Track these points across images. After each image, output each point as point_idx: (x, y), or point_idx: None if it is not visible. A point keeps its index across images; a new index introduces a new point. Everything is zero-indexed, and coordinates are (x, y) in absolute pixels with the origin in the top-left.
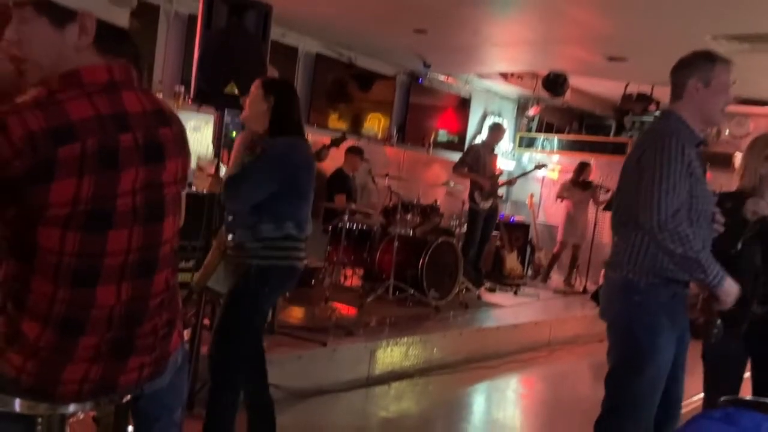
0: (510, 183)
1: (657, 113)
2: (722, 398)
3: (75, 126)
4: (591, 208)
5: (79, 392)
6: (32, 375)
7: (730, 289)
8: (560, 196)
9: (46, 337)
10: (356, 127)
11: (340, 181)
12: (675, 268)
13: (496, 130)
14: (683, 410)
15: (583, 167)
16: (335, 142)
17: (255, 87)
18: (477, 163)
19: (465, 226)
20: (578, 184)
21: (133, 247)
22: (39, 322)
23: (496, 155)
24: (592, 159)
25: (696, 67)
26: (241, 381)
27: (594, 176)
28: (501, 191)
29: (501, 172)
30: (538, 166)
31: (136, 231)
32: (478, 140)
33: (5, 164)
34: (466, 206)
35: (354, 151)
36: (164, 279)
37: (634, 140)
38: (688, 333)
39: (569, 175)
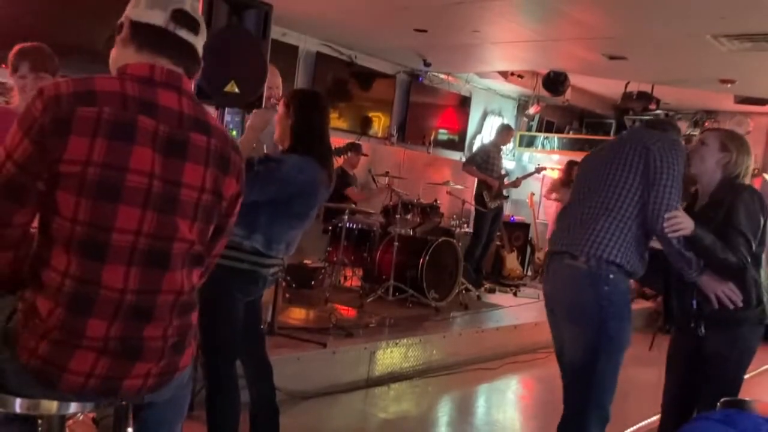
0: (515, 184)
1: (657, 112)
2: (722, 399)
3: (96, 94)
4: None
5: (84, 387)
6: (41, 358)
7: (710, 280)
8: (548, 196)
9: (56, 315)
10: (356, 125)
11: (342, 179)
12: (638, 262)
13: (506, 132)
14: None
15: (571, 166)
16: (338, 152)
17: (281, 103)
18: (486, 162)
19: (465, 225)
20: (567, 184)
21: (144, 230)
22: (51, 298)
23: (502, 156)
24: None
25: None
26: (232, 381)
27: None
28: (506, 192)
29: (506, 174)
30: (538, 169)
31: (149, 215)
32: (478, 140)
33: (36, 118)
34: (467, 206)
35: (352, 148)
36: (179, 280)
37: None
38: None
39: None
